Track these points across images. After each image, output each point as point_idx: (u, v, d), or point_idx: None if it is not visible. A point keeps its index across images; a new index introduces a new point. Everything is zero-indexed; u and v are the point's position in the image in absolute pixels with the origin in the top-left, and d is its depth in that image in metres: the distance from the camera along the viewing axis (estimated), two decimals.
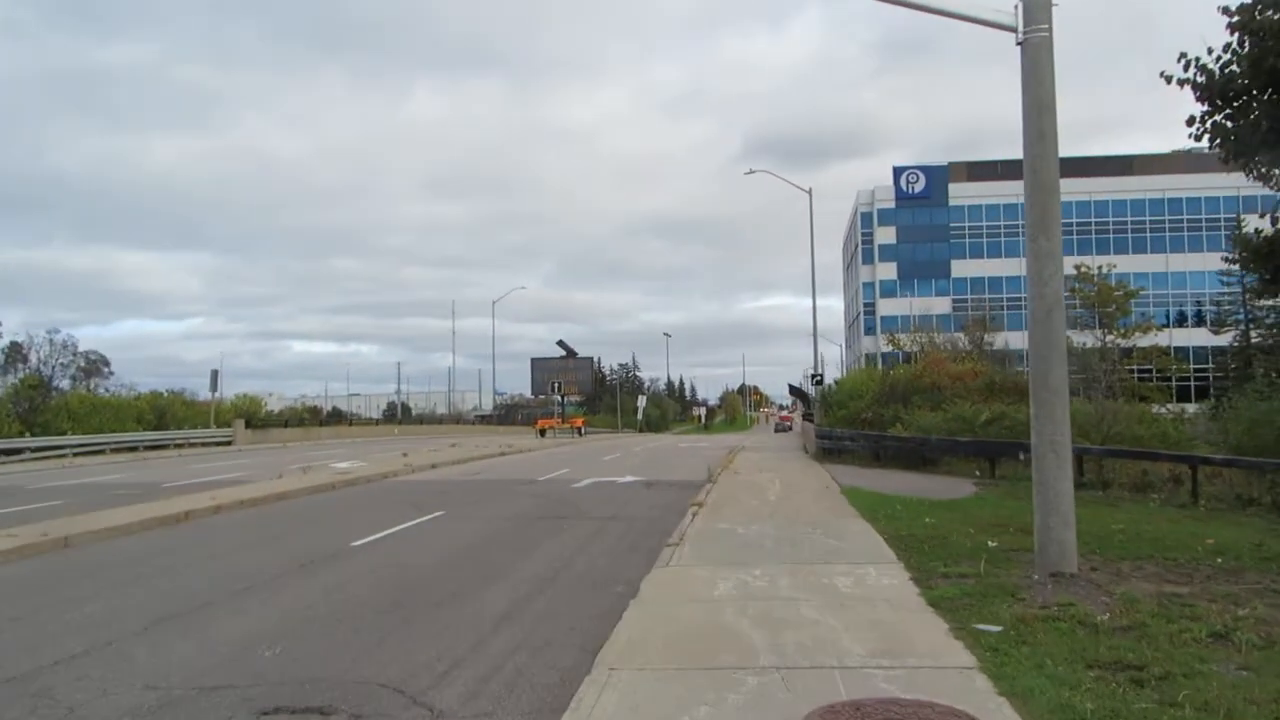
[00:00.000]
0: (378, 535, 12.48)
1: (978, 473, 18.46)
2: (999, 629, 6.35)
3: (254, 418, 49.96)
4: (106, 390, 46.92)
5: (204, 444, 44.54)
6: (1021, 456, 17.41)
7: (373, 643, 6.82)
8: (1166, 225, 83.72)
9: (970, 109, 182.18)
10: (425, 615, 7.70)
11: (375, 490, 19.61)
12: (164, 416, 45.28)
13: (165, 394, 48.67)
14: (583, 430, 56.78)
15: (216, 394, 48.55)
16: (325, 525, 13.90)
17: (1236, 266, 62.70)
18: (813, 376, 48.55)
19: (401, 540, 12.17)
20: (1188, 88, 11.70)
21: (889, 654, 5.83)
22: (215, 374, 47.28)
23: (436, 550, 11.32)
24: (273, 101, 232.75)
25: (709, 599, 7.63)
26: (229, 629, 7.33)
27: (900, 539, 10.51)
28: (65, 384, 43.82)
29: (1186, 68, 11.79)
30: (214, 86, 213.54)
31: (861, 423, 24.74)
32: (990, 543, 9.99)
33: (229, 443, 45.92)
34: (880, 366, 33.12)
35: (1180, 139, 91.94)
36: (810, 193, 46.40)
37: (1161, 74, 11.76)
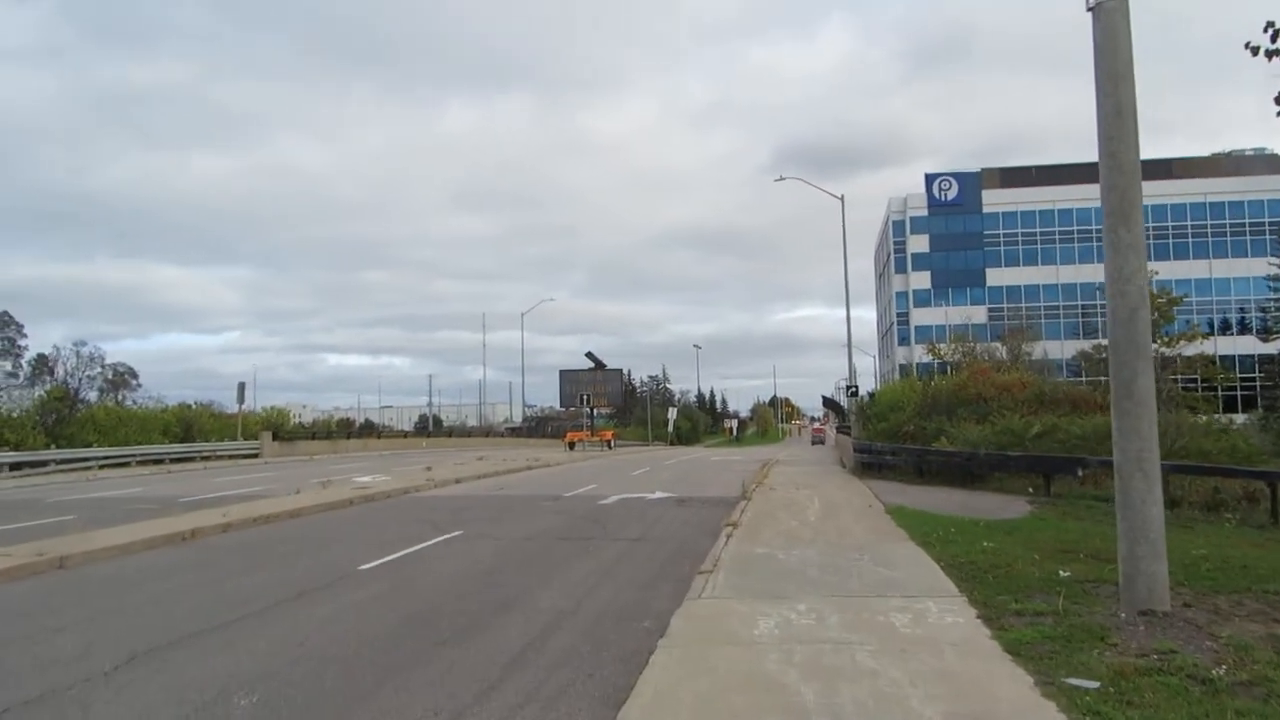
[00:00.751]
0: (389, 558, 11.68)
1: (1031, 490, 17.31)
2: (1095, 684, 5.35)
3: (281, 430, 49.66)
4: (134, 402, 46.89)
5: (230, 456, 44.26)
6: (1080, 473, 16.30)
7: (365, 689, 5.96)
8: (1209, 230, 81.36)
9: (1001, 117, 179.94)
10: (428, 655, 6.84)
11: (393, 507, 18.84)
12: (191, 429, 45.15)
13: (193, 406, 48.68)
14: (612, 443, 55.89)
15: (244, 406, 48.35)
16: (335, 546, 13.11)
17: None
18: (848, 388, 47.32)
19: (413, 564, 11.33)
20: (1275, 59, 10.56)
21: (969, 718, 4.86)
22: (242, 386, 47.12)
23: (449, 576, 10.46)
24: (304, 117, 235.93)
25: (748, 640, 6.69)
26: (208, 669, 6.51)
27: (958, 567, 9.50)
28: (92, 396, 43.77)
29: (1275, 38, 10.69)
30: (247, 104, 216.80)
31: (903, 436, 23.58)
32: (1061, 572, 8.94)
33: (256, 455, 45.62)
34: (919, 377, 31.91)
35: (1219, 143, 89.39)
36: (843, 199, 45.30)
37: (1247, 45, 10.65)
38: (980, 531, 12.04)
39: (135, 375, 49.72)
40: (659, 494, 20.92)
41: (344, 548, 12.83)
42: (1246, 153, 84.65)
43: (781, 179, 45.16)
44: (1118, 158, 7.85)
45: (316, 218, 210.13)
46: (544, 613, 8.26)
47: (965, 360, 30.15)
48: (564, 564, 11.09)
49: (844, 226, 45.19)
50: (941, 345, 38.78)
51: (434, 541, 13.19)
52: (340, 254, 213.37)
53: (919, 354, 77.09)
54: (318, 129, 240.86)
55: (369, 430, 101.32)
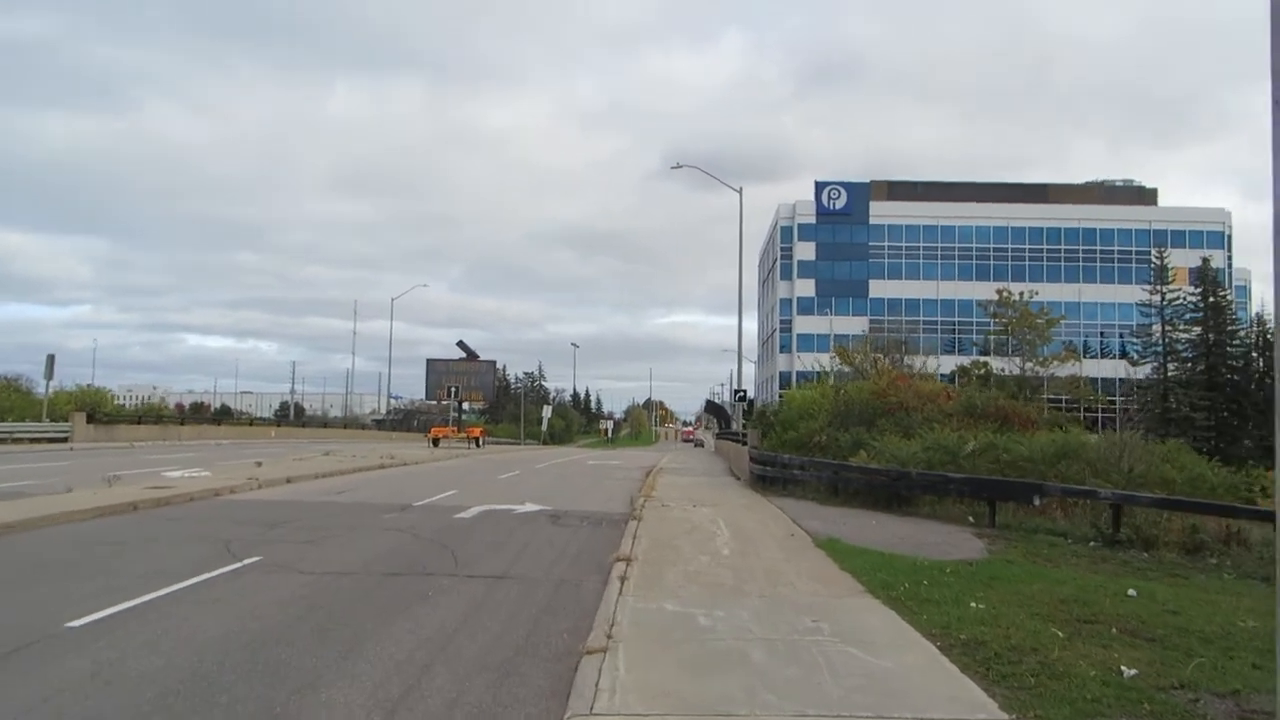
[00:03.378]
0: (125, 605, 7.89)
1: (971, 519, 14.83)
2: None
3: (98, 412, 43.32)
4: None
5: (32, 439, 38.04)
6: (1037, 501, 13.86)
7: None
8: (1080, 255, 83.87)
9: (882, 139, 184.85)
10: None
11: (189, 515, 14.71)
12: None
13: None
14: (481, 441, 51.71)
15: (53, 383, 41.87)
16: (62, 579, 9.13)
17: (1158, 298, 62.63)
18: (736, 392, 45.01)
19: (157, 620, 7.56)
20: None
21: None
22: (51, 359, 40.59)
23: (198, 647, 6.76)
24: (178, 87, 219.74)
25: None
26: None
27: (965, 650, 6.53)
28: None
29: None
30: (119, 67, 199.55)
31: (813, 448, 20.96)
32: (1125, 669, 6.08)
33: (65, 439, 39.45)
34: (833, 383, 29.55)
35: (1088, 174, 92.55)
36: (740, 191, 43.08)
37: None
38: (950, 580, 9.19)
39: None
40: (529, 506, 17.47)
41: (73, 582, 8.87)
42: (1116, 183, 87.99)
43: (678, 166, 42.63)
44: None
45: (184, 192, 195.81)
46: None
47: (877, 367, 27.83)
48: (385, 623, 7.57)
49: (741, 223, 42.90)
50: (853, 349, 36.64)
51: (213, 575, 9.40)
52: (208, 232, 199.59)
53: (801, 362, 76.29)
54: (192, 100, 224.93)
55: (226, 416, 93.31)
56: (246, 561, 10.26)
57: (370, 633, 7.22)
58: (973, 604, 8.02)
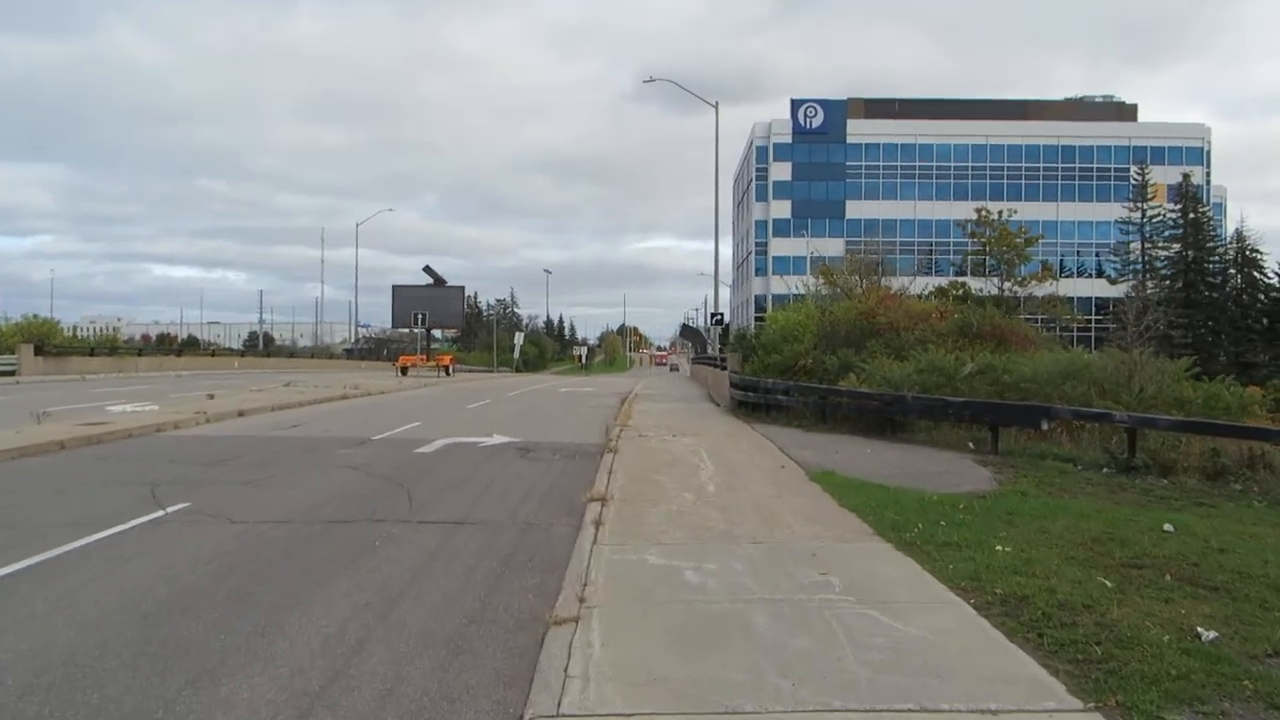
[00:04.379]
0: (9, 569, 6.69)
1: (971, 445, 13.87)
2: None
3: (47, 343, 41.41)
4: None
5: None
6: (1045, 426, 12.88)
7: None
8: (1059, 173, 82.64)
9: (859, 62, 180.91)
10: None
11: (120, 454, 13.41)
12: None
13: None
14: (451, 369, 50.25)
15: (1, 314, 39.83)
16: None
17: (1138, 215, 61.79)
18: (713, 316, 43.86)
19: (45, 585, 6.36)
20: None
21: None
22: None
23: (89, 619, 5.59)
24: (140, 7, 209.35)
25: None
26: None
27: (1005, 606, 5.51)
28: None
29: None
30: None
31: (798, 372, 19.85)
32: (1200, 629, 5.07)
33: (12, 373, 37.69)
34: (798, 304, 28.35)
35: (1067, 93, 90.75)
36: (717, 106, 41.31)
37: None
38: (965, 518, 8.18)
39: None
40: (497, 438, 16.33)
41: None
42: (1096, 99, 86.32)
43: (651, 80, 40.73)
44: None
45: (149, 118, 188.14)
46: None
47: (863, 287, 26.63)
48: (319, 584, 6.44)
49: (717, 140, 41.16)
50: (835, 268, 35.35)
51: (127, 527, 8.20)
52: (175, 159, 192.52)
53: (779, 285, 75.14)
54: (155, 22, 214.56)
55: (190, 346, 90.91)
56: (171, 509, 9.05)
57: (299, 598, 6.07)
58: (998, 547, 7.00)
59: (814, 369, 19.65)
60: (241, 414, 20.14)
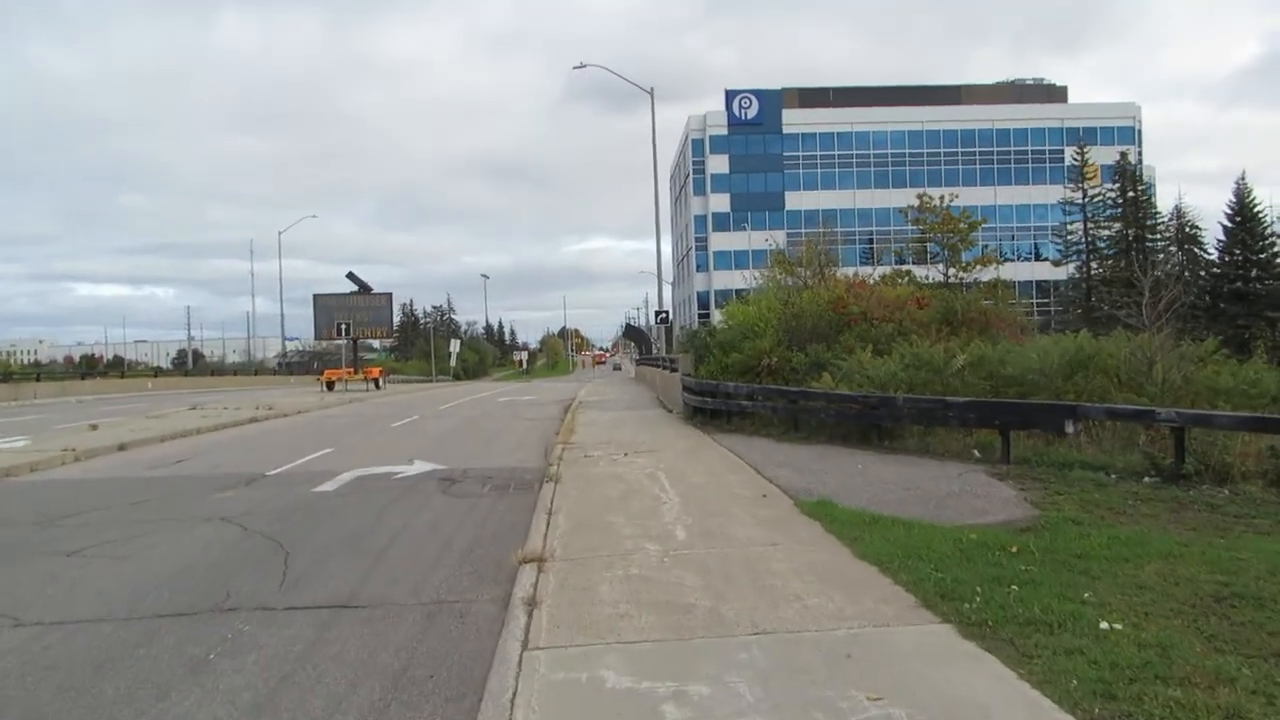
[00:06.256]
0: None
1: (977, 453, 11.91)
2: None
3: None
4: None
5: None
6: (1070, 429, 10.92)
7: None
8: (995, 156, 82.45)
9: (795, 57, 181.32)
10: None
11: None
12: None
13: None
14: (381, 382, 47.20)
15: None
16: None
17: (1079, 195, 61.37)
18: (658, 314, 41.67)
19: None
20: None
21: None
22: None
23: None
24: (50, 16, 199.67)
25: None
26: None
27: None
28: None
29: None
30: None
31: (762, 372, 17.70)
32: None
33: None
34: (755, 296, 26.32)
35: (996, 77, 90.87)
36: (652, 92, 39.29)
37: None
38: (1027, 569, 6.09)
39: None
40: (418, 466, 13.90)
41: None
42: (1027, 81, 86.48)
43: (582, 66, 38.46)
44: None
45: (64, 132, 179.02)
46: None
47: (823, 275, 24.64)
48: None
49: (654, 129, 39.15)
50: (793, 255, 33.38)
51: None
52: (94, 174, 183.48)
53: (722, 280, 73.49)
54: (67, 31, 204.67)
55: (116, 367, 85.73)
56: None
57: None
58: (1103, 623, 4.91)
59: (780, 368, 17.57)
60: (122, 448, 17.32)
